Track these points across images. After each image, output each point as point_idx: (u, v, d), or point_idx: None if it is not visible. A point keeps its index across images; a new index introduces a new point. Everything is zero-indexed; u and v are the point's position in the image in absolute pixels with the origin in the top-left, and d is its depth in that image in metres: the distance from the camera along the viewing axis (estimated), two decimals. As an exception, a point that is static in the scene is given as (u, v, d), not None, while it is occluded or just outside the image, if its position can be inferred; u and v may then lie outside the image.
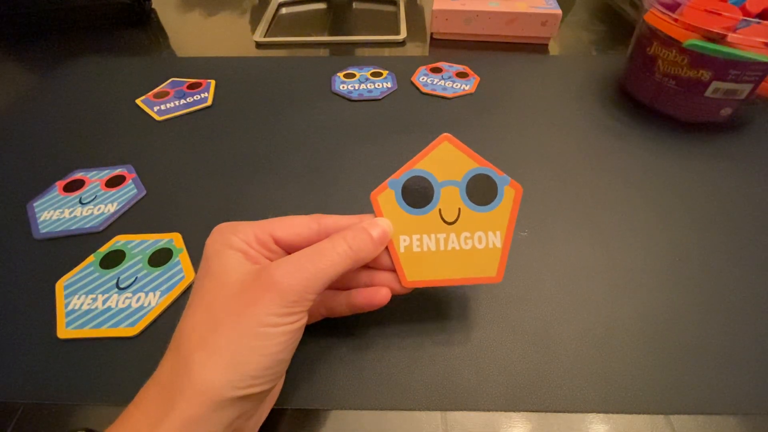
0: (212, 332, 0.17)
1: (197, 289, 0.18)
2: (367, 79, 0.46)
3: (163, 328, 0.25)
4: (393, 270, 0.22)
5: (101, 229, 0.30)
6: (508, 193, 0.22)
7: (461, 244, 0.22)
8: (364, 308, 0.22)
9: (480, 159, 0.22)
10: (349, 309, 0.22)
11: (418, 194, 0.22)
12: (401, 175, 0.22)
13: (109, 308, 0.25)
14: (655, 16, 0.38)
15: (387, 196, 0.22)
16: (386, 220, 0.22)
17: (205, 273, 0.19)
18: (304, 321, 0.18)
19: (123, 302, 0.26)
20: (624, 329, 0.25)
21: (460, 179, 0.22)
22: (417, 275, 0.22)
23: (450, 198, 0.22)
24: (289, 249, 0.21)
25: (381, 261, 0.22)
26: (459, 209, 0.22)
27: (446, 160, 0.22)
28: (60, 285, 0.27)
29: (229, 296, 0.17)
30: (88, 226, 0.30)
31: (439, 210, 0.22)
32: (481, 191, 0.22)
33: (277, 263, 0.18)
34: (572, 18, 0.61)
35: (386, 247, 0.22)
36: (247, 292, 0.17)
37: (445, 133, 0.22)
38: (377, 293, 0.22)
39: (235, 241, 0.19)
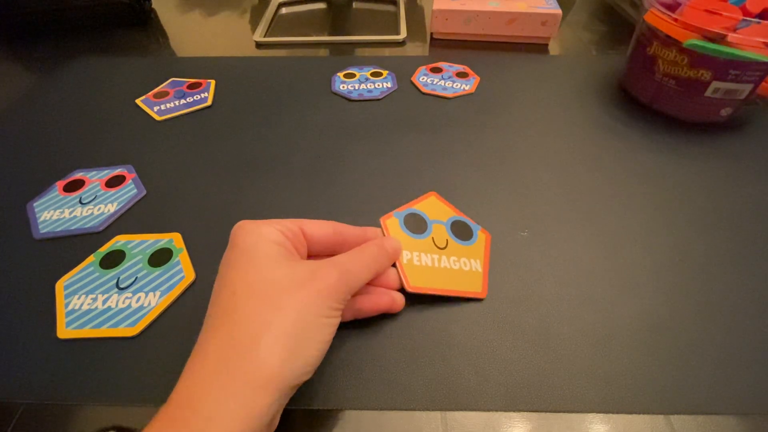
0: (274, 319, 0.17)
1: (239, 277, 0.19)
2: (367, 79, 0.46)
3: (163, 328, 0.25)
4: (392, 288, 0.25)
5: (101, 229, 0.30)
6: (481, 236, 0.29)
7: (451, 264, 0.27)
8: (369, 313, 0.24)
9: (457, 211, 0.31)
10: (352, 315, 0.24)
11: (416, 224, 0.29)
12: (403, 210, 0.29)
13: (109, 308, 0.25)
14: (655, 16, 0.38)
15: (393, 221, 0.28)
16: (396, 239, 0.26)
17: (246, 264, 0.19)
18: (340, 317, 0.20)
19: (123, 302, 0.26)
20: (624, 329, 0.25)
21: (445, 220, 0.29)
22: (418, 282, 0.25)
23: (439, 231, 0.29)
24: (312, 243, 0.22)
25: (381, 280, 0.24)
26: (447, 240, 0.28)
27: (434, 208, 0.30)
28: (60, 285, 0.27)
29: (285, 288, 0.18)
30: (88, 226, 0.30)
31: (432, 238, 0.28)
32: (461, 231, 0.29)
33: (327, 264, 0.20)
34: (572, 18, 0.61)
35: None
36: (305, 286, 0.18)
37: (432, 191, 0.31)
38: (382, 297, 0.24)
39: (273, 233, 0.20)
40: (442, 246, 0.28)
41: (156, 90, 0.45)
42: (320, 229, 0.23)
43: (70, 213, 0.31)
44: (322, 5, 0.65)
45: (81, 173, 0.35)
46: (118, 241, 0.29)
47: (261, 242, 0.20)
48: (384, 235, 0.26)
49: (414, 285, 0.25)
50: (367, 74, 0.47)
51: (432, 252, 0.27)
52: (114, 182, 0.34)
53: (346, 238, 0.24)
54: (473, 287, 0.26)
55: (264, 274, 0.18)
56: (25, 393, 0.22)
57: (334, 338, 0.24)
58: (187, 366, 0.17)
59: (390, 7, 0.64)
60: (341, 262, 0.20)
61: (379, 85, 0.45)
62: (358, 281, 0.21)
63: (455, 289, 0.26)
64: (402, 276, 0.25)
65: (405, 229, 0.28)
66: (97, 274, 0.27)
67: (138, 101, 0.43)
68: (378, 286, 0.24)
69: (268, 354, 0.16)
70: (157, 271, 0.27)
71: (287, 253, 0.20)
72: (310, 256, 0.23)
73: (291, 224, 0.21)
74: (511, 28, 0.52)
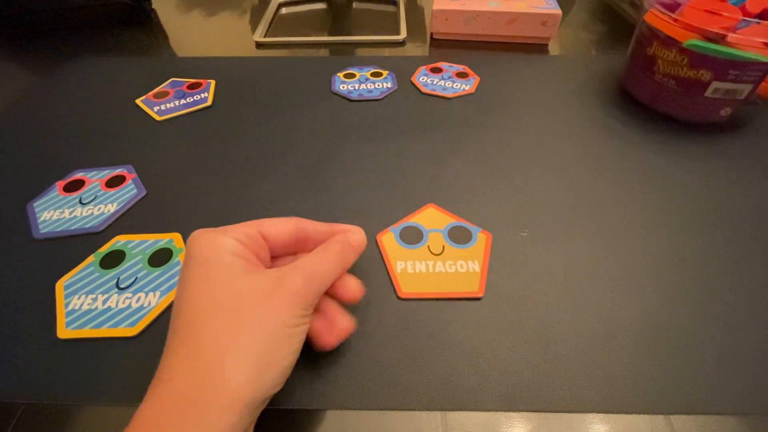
0: (239, 336, 0.17)
1: (199, 294, 0.18)
2: (367, 79, 0.46)
3: (163, 328, 0.24)
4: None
5: (101, 229, 0.30)
6: (481, 237, 0.29)
7: (446, 268, 0.27)
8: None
9: (456, 217, 0.31)
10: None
11: (412, 235, 0.29)
12: (399, 225, 0.30)
13: (109, 308, 0.25)
14: (655, 16, 0.38)
15: (389, 237, 0.29)
16: (361, 230, 0.24)
17: (205, 279, 0.18)
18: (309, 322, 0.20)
19: (123, 302, 0.26)
20: (624, 329, 0.25)
21: (443, 228, 0.30)
22: (410, 289, 0.26)
23: (436, 239, 0.29)
24: (274, 245, 0.22)
25: (340, 290, 0.22)
26: (443, 246, 0.29)
27: (432, 218, 0.31)
28: (60, 285, 0.27)
29: (248, 302, 0.18)
30: (88, 226, 0.30)
31: (428, 246, 0.29)
32: (459, 236, 0.29)
33: (290, 271, 0.19)
34: (572, 18, 0.61)
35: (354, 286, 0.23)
36: (270, 298, 0.18)
37: (430, 203, 0.32)
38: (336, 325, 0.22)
39: (231, 244, 0.19)
40: (438, 252, 0.28)
41: (156, 90, 0.45)
42: (281, 228, 0.22)
43: (70, 213, 0.31)
44: (322, 5, 0.65)
45: (81, 173, 0.35)
46: (118, 241, 0.29)
47: (219, 255, 0.19)
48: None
49: (406, 291, 0.26)
50: (367, 74, 0.47)
51: (427, 259, 0.28)
52: (114, 182, 0.34)
53: (309, 234, 0.23)
54: (469, 287, 0.26)
55: (224, 290, 0.18)
56: (25, 393, 0.22)
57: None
58: (150, 390, 0.16)
59: (390, 7, 0.64)
60: (304, 266, 0.20)
61: (379, 85, 0.45)
62: (325, 282, 0.20)
63: (449, 291, 0.26)
64: (395, 284, 0.26)
65: (401, 242, 0.29)
66: (97, 274, 0.27)
67: (138, 101, 0.43)
68: (336, 296, 0.22)
69: (236, 374, 0.16)
70: (157, 271, 0.27)
71: (247, 263, 0.19)
72: (274, 257, 0.22)
73: (249, 229, 0.21)
74: (511, 28, 0.52)
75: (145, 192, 0.33)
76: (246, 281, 0.18)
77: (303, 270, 0.19)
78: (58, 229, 0.30)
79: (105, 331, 0.24)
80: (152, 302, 0.26)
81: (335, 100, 0.43)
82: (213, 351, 0.16)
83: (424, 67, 0.48)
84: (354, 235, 0.23)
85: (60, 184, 0.34)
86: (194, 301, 0.18)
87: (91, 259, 0.28)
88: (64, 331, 0.24)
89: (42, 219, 0.31)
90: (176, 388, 0.16)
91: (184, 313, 0.18)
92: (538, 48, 0.53)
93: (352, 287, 0.22)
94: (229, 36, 0.58)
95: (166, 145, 0.38)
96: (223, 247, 0.19)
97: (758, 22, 0.32)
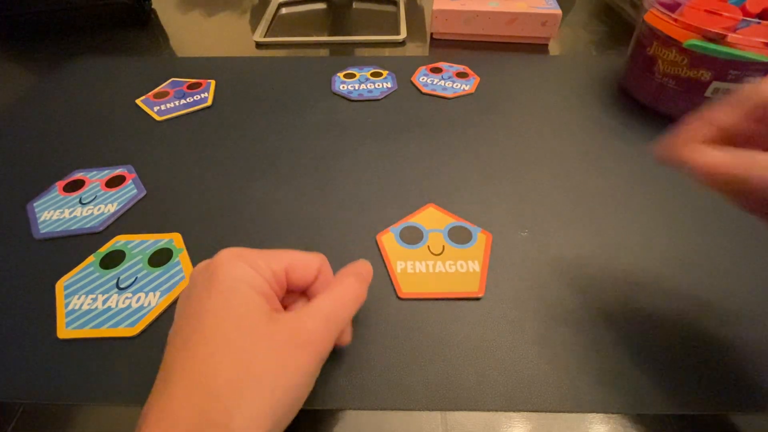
0: (254, 388, 0.16)
1: (220, 333, 0.17)
2: (367, 79, 0.46)
3: (163, 329, 0.25)
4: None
5: (101, 229, 0.30)
6: (481, 237, 0.29)
7: (446, 268, 0.27)
8: None
9: (456, 217, 0.31)
10: None
11: (411, 235, 0.29)
12: (399, 225, 0.30)
13: (109, 308, 0.25)
14: (655, 16, 0.38)
15: (389, 237, 0.29)
16: (365, 260, 0.23)
17: (226, 312, 0.17)
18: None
19: (123, 302, 0.26)
20: (624, 329, 0.25)
21: (443, 228, 0.30)
22: (410, 289, 0.26)
23: (436, 239, 0.29)
24: (293, 285, 0.21)
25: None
26: (443, 246, 0.29)
27: (432, 218, 0.31)
28: (60, 285, 0.27)
29: (263, 348, 0.17)
30: (88, 226, 0.30)
31: (428, 246, 0.29)
32: (459, 236, 0.30)
33: (306, 317, 0.18)
34: (572, 18, 0.61)
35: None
36: (285, 347, 0.17)
37: (430, 203, 0.32)
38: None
39: (258, 282, 0.18)
40: (438, 252, 0.28)
41: (156, 90, 0.45)
42: (307, 270, 0.21)
43: (70, 213, 0.31)
44: (322, 5, 0.65)
45: (81, 173, 0.35)
46: (118, 241, 0.29)
47: (246, 292, 0.18)
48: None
49: (406, 291, 0.26)
50: (367, 74, 0.47)
51: (427, 259, 0.28)
52: (114, 182, 0.34)
53: (322, 281, 0.22)
54: (469, 287, 0.26)
55: (245, 335, 0.17)
56: (25, 393, 0.22)
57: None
58: (153, 425, 0.15)
59: (390, 7, 0.64)
60: (321, 307, 0.19)
61: (379, 86, 0.45)
62: (344, 321, 0.20)
63: (450, 291, 0.26)
64: (395, 284, 0.26)
65: (401, 242, 0.29)
66: (97, 274, 0.27)
67: (138, 101, 0.43)
68: None
69: (248, 428, 0.15)
70: (157, 271, 0.27)
71: (269, 307, 0.18)
72: (289, 291, 0.21)
73: (277, 266, 0.20)
74: (511, 28, 0.52)
75: (145, 192, 0.33)
76: (268, 328, 0.17)
77: (318, 318, 0.18)
78: (58, 229, 0.30)
79: (105, 331, 0.24)
80: (152, 302, 0.26)
81: (335, 100, 0.43)
82: (223, 401, 0.15)
83: (424, 67, 0.48)
84: (362, 267, 0.22)
85: (60, 184, 0.34)
86: (214, 341, 0.17)
87: (91, 259, 0.28)
88: (64, 331, 0.24)
89: (42, 219, 0.31)
90: (181, 428, 0.15)
91: (199, 352, 0.17)
92: (538, 48, 0.53)
93: (346, 330, 0.22)
94: (229, 36, 0.58)
95: (166, 145, 0.38)
96: (249, 283, 0.18)
97: (758, 22, 0.32)
